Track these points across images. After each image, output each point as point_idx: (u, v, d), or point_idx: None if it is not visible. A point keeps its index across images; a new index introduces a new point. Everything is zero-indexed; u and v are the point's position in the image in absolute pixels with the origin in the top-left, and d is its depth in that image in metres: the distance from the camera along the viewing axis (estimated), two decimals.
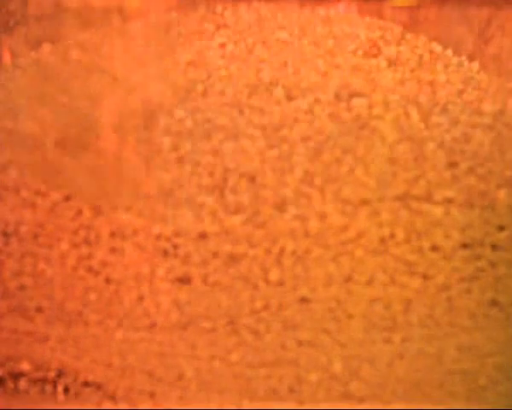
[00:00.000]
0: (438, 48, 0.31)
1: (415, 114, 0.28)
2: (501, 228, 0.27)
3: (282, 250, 0.26)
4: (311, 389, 0.27)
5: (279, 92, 0.28)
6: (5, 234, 0.27)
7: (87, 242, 0.26)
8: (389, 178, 0.26)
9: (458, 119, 0.28)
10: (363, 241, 0.26)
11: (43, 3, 0.28)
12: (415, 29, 0.31)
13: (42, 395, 0.28)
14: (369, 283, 0.26)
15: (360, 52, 0.30)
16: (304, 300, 0.26)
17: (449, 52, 0.31)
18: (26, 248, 0.27)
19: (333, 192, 0.26)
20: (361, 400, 0.27)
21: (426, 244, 0.26)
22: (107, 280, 0.26)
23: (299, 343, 0.26)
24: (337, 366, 0.27)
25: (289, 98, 0.28)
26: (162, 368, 0.27)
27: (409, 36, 0.31)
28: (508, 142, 0.28)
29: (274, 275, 0.26)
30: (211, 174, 0.26)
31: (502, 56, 0.32)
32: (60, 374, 0.27)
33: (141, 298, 0.26)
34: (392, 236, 0.26)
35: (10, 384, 0.28)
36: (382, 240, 0.26)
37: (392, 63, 0.30)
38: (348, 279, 0.26)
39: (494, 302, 0.27)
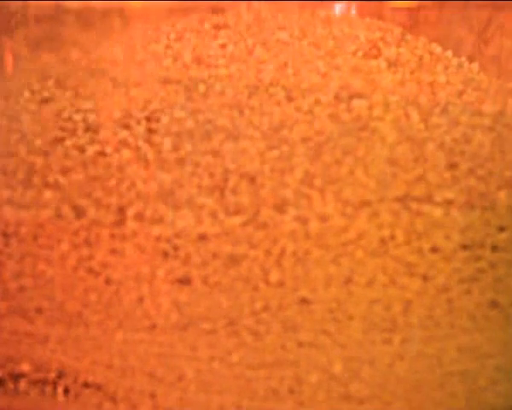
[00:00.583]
0: (438, 49, 0.31)
1: (415, 115, 0.28)
2: (501, 229, 0.27)
3: (282, 251, 0.26)
4: (311, 390, 0.27)
5: (279, 93, 0.28)
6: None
7: (87, 242, 0.26)
8: (389, 179, 0.26)
9: (458, 120, 0.28)
10: (363, 242, 0.26)
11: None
12: (415, 30, 0.31)
13: (42, 396, 0.28)
14: (370, 284, 0.26)
15: (360, 53, 0.30)
16: (304, 301, 0.26)
17: (449, 53, 0.31)
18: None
19: (333, 193, 0.26)
20: (361, 401, 0.27)
21: (426, 245, 0.26)
22: (107, 281, 0.26)
23: (300, 344, 0.26)
24: (337, 367, 0.27)
25: (289, 99, 0.28)
26: (162, 369, 0.27)
27: (409, 37, 0.31)
28: (508, 143, 0.28)
29: (274, 276, 0.26)
30: (211, 175, 0.26)
31: (501, 57, 0.32)
32: (60, 375, 0.27)
33: (141, 299, 0.26)
34: (393, 237, 0.26)
35: (10, 385, 0.28)
36: (382, 241, 0.26)
37: (392, 64, 0.30)
38: (348, 280, 0.26)
39: (494, 303, 0.27)
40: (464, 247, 0.26)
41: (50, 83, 0.29)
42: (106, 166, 0.27)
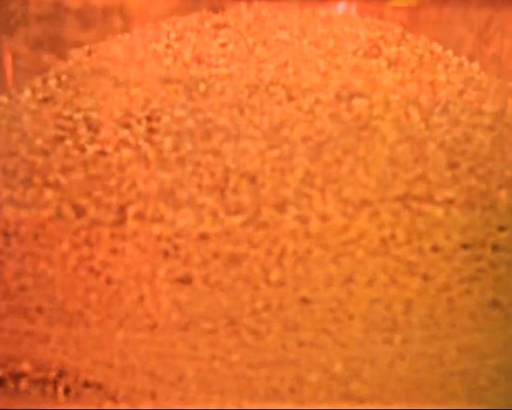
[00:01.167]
0: (438, 48, 0.31)
1: (415, 115, 0.28)
2: (502, 228, 0.27)
3: (282, 251, 0.26)
4: (312, 389, 0.27)
5: (279, 92, 0.28)
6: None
7: (87, 242, 0.26)
8: (390, 178, 0.26)
9: (459, 119, 0.28)
10: (363, 241, 0.26)
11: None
12: (415, 29, 0.31)
13: (42, 396, 0.28)
14: (370, 283, 0.26)
15: (361, 52, 0.30)
16: (304, 300, 0.26)
17: (449, 52, 0.31)
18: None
19: (333, 193, 0.26)
20: (361, 400, 0.27)
21: (426, 245, 0.26)
22: (108, 281, 0.26)
23: (300, 344, 0.26)
24: (338, 367, 0.27)
25: (290, 98, 0.28)
26: (163, 368, 0.27)
27: (409, 36, 0.31)
28: (508, 142, 0.28)
29: (275, 275, 0.26)
30: (211, 174, 0.26)
31: (502, 57, 0.32)
32: (60, 374, 0.27)
33: (141, 299, 0.26)
34: (393, 236, 0.26)
35: (11, 385, 0.28)
36: (383, 240, 0.26)
37: (392, 63, 0.30)
38: (349, 280, 0.26)
39: (495, 303, 0.27)
40: (465, 246, 0.26)
41: (51, 82, 0.29)
42: (106, 166, 0.27)
